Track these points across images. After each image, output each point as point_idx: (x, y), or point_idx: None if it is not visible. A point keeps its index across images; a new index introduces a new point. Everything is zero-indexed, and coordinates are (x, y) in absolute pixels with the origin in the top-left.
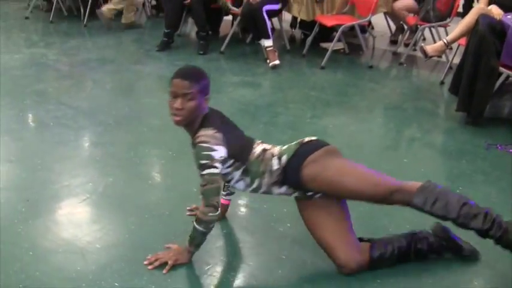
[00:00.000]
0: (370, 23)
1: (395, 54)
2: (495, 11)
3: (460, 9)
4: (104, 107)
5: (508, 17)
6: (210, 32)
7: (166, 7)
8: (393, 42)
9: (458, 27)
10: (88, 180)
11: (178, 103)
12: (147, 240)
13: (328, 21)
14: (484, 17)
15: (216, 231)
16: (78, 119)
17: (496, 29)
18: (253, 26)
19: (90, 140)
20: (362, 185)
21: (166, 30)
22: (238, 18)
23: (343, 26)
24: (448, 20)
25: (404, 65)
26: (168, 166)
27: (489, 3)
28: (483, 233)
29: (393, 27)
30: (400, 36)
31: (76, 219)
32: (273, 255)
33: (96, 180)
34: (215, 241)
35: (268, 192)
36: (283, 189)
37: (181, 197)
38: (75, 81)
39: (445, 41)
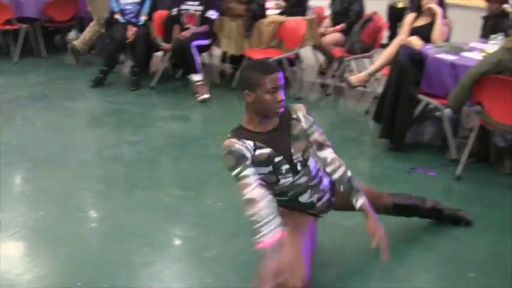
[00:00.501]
0: (298, 56)
1: (323, 85)
2: (415, 42)
3: (385, 41)
4: (34, 143)
5: (428, 47)
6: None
7: (108, 46)
8: (322, 73)
9: (380, 57)
10: (18, 215)
11: (282, 94)
12: (78, 270)
13: (256, 55)
14: (404, 48)
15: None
16: (8, 155)
17: (415, 59)
18: (183, 61)
19: (21, 175)
20: None
21: (104, 68)
22: (169, 53)
23: (270, 60)
24: (373, 51)
25: (332, 95)
26: (97, 199)
27: (410, 35)
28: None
29: (322, 59)
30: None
31: (5, 253)
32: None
33: (26, 214)
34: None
35: None
36: None
37: (111, 228)
38: (4, 119)
39: (369, 71)
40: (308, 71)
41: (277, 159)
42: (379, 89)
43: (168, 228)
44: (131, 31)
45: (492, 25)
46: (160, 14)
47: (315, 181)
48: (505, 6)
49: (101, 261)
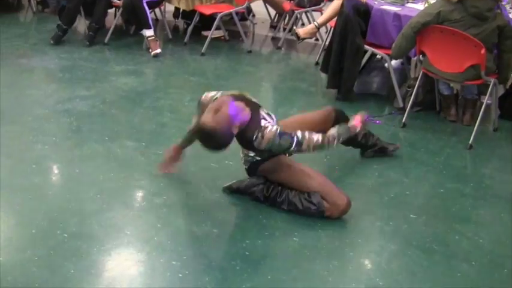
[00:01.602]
0: (251, 10)
1: (275, 39)
2: None
3: None
4: None
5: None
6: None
7: (68, 5)
8: (274, 27)
9: (327, 10)
10: None
11: None
12: (32, 218)
13: (207, 10)
14: (348, 0)
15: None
16: None
17: (360, 10)
18: (134, 17)
19: None
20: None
21: (64, 26)
22: (121, 9)
23: (220, 14)
24: (322, 4)
25: (282, 48)
26: (50, 151)
27: None
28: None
29: (274, 12)
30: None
31: None
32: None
33: None
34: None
35: None
36: None
37: (64, 178)
38: None
39: (316, 23)
40: (260, 25)
41: None
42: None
43: (119, 177)
44: None
45: None
46: None
47: None
48: None
49: (54, 210)
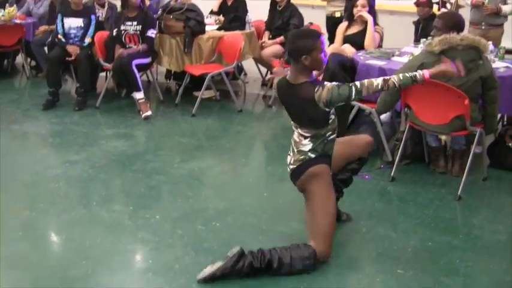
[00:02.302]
0: (242, 69)
1: (266, 97)
2: (348, 49)
3: None
4: None
5: (359, 54)
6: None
7: (46, 66)
8: (266, 85)
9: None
10: None
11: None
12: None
13: (196, 71)
14: (334, 55)
15: None
16: None
17: (346, 65)
18: (124, 80)
19: None
20: None
21: (50, 89)
22: (111, 73)
23: (210, 74)
24: None
25: (273, 106)
26: (38, 218)
27: (344, 43)
28: None
29: (265, 71)
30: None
31: None
32: None
33: None
34: None
35: None
36: None
37: (50, 244)
38: None
39: None
40: (252, 84)
41: None
42: None
43: (105, 242)
44: (72, 47)
45: (422, 29)
46: (101, 35)
47: None
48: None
49: (40, 277)
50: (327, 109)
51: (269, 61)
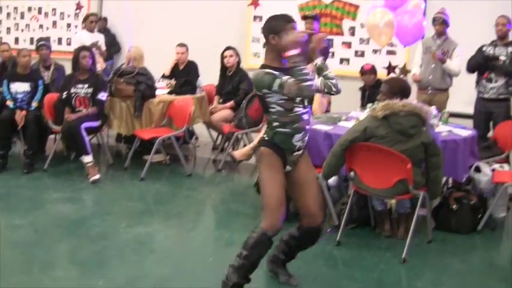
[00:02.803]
0: (194, 133)
1: (216, 161)
2: None
3: None
4: None
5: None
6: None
7: None
8: (216, 149)
9: (262, 131)
10: None
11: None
12: None
13: (146, 135)
14: None
15: None
16: None
17: None
18: (73, 143)
19: None
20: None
21: (0, 152)
22: (60, 135)
23: (159, 138)
24: (261, 125)
25: (223, 171)
26: None
27: None
28: None
29: (216, 135)
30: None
31: None
32: None
33: None
34: None
35: None
36: None
37: None
38: None
39: (251, 145)
40: (203, 148)
41: None
42: None
43: None
44: (20, 115)
45: (369, 95)
46: (50, 97)
47: (307, 128)
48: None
49: None
50: (259, 93)
51: (219, 125)
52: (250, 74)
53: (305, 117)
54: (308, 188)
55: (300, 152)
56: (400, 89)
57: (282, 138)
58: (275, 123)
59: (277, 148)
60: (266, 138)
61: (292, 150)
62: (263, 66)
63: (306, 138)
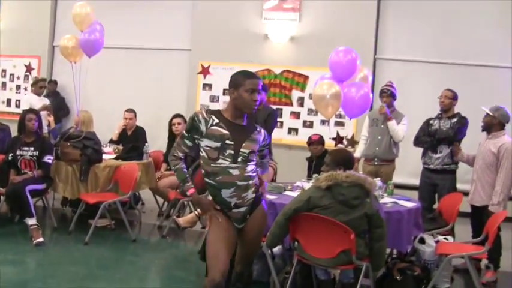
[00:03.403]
0: (140, 198)
1: (161, 227)
2: None
3: None
4: None
5: None
6: None
7: None
8: (161, 216)
9: None
10: None
11: (257, 97)
12: None
13: (91, 199)
14: None
15: None
16: None
17: None
18: (17, 206)
19: None
20: None
21: None
22: (3, 197)
23: (104, 203)
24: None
25: (167, 237)
26: None
27: None
28: None
29: (162, 201)
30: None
31: None
32: None
33: None
34: None
35: None
36: None
37: None
38: None
39: (197, 212)
40: (149, 214)
41: (227, 142)
42: None
43: None
44: None
45: (315, 165)
46: None
47: (243, 183)
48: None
49: None
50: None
51: (165, 192)
52: None
53: (234, 172)
54: (243, 246)
55: (242, 209)
56: (343, 160)
57: (210, 190)
58: (203, 171)
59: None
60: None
61: (228, 207)
62: (217, 111)
63: (248, 196)
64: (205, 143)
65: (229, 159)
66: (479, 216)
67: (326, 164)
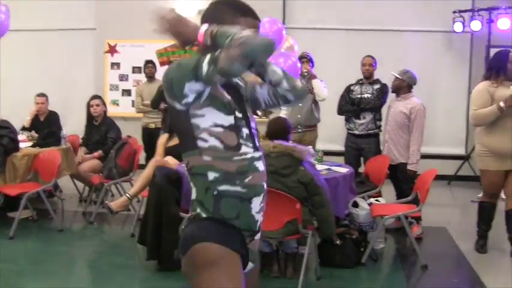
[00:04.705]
0: (58, 186)
1: (86, 213)
2: (171, 161)
3: (143, 163)
4: None
5: (183, 165)
6: None
7: None
8: (85, 201)
9: (138, 180)
10: None
11: None
12: None
13: (12, 191)
14: (160, 168)
15: None
16: None
17: (172, 178)
18: None
19: None
20: None
21: None
22: None
23: (27, 194)
24: (131, 174)
25: (95, 223)
26: None
27: (165, 155)
28: None
29: (82, 186)
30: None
31: None
32: None
33: None
34: None
35: None
36: None
37: None
38: None
39: (128, 195)
40: (69, 201)
41: (237, 114)
42: (143, 211)
43: None
44: None
45: None
46: None
47: (265, 188)
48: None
49: None
50: (179, 105)
51: (87, 177)
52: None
53: (261, 167)
54: None
55: (260, 233)
56: (275, 130)
57: (230, 207)
58: (212, 176)
59: (230, 234)
60: (203, 214)
61: (253, 231)
62: None
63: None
64: (210, 117)
65: (250, 144)
66: (395, 173)
67: (263, 135)
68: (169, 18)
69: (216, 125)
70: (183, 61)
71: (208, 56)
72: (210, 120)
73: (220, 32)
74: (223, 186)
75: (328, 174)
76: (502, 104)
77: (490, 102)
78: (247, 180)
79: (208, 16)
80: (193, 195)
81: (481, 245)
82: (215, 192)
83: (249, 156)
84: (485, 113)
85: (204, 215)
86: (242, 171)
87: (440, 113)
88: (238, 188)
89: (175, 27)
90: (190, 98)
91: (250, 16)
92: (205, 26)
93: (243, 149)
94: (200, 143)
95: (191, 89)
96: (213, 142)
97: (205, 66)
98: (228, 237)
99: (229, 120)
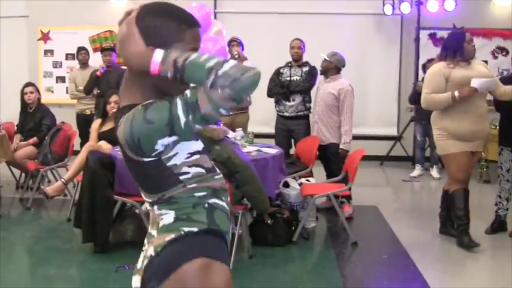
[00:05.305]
0: None
1: (23, 199)
2: (104, 146)
3: (78, 148)
4: None
5: (116, 149)
6: None
7: None
8: (21, 188)
9: (73, 165)
10: None
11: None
12: None
13: None
14: (93, 153)
15: None
16: None
17: (105, 162)
18: None
19: None
20: None
21: None
22: None
23: None
24: (66, 159)
25: (32, 209)
26: None
27: (99, 140)
28: None
29: (19, 173)
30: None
31: None
32: None
33: None
34: None
35: None
36: None
37: None
38: None
39: (63, 180)
40: (6, 188)
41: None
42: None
43: None
44: None
45: None
46: None
47: None
48: None
49: None
50: (152, 158)
51: (23, 163)
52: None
53: (224, 186)
54: None
55: None
56: None
57: (223, 221)
58: (200, 194)
59: (219, 245)
60: (194, 229)
61: (228, 240)
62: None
63: None
64: (184, 151)
65: (215, 167)
66: (325, 154)
67: None
68: (124, 27)
69: (192, 154)
70: (147, 114)
71: (179, 102)
72: (185, 153)
73: (192, 63)
74: (213, 199)
75: (258, 155)
76: (456, 93)
77: (444, 85)
78: (226, 198)
79: (147, 34)
80: (167, 220)
81: (469, 240)
82: (206, 205)
83: (221, 177)
84: (438, 99)
85: (195, 230)
86: (224, 188)
87: (372, 94)
88: (224, 204)
89: (121, 42)
90: (161, 149)
91: (194, 25)
92: (159, 53)
93: (217, 170)
94: (183, 177)
95: (164, 143)
96: (195, 170)
97: (182, 118)
98: (216, 249)
99: (200, 144)
